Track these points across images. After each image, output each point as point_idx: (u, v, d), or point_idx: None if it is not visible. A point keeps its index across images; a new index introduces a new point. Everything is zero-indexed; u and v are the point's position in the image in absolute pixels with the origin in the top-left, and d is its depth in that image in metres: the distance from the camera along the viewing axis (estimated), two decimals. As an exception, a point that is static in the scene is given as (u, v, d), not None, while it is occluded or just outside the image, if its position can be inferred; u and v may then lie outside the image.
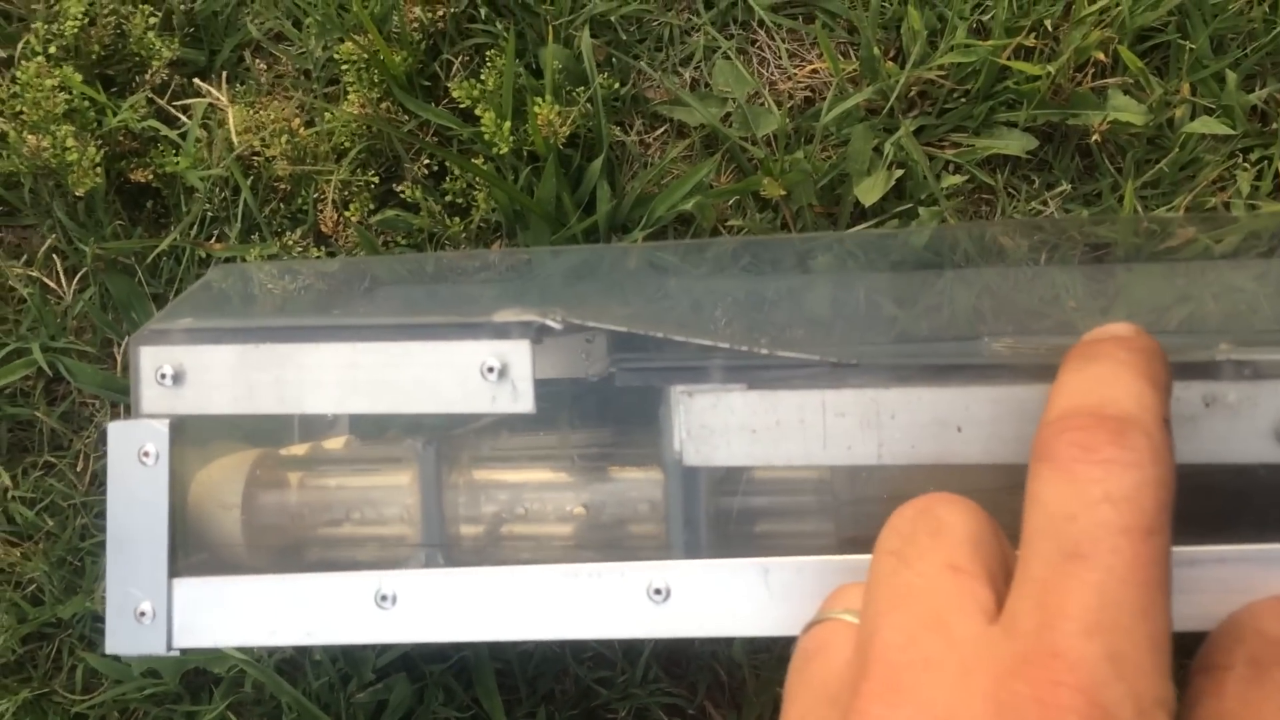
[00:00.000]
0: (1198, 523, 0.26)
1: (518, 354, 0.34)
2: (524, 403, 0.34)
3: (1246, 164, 0.54)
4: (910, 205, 0.55)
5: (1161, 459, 0.23)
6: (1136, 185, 0.54)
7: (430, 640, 0.34)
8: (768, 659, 0.53)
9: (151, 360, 0.36)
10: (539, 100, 0.50)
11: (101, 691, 0.52)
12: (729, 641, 0.54)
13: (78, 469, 0.54)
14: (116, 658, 0.51)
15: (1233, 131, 0.53)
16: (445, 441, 0.37)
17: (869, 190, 0.54)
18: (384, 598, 0.35)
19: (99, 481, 0.54)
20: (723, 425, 0.34)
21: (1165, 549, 0.23)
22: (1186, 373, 0.30)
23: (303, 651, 0.52)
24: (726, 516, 0.37)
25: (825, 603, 0.30)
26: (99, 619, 0.53)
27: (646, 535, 0.37)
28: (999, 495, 0.39)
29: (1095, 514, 0.22)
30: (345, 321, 0.36)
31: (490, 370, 0.34)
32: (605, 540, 0.37)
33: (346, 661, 0.51)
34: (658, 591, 0.33)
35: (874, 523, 0.37)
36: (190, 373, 0.36)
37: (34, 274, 0.55)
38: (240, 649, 0.50)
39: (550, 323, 0.35)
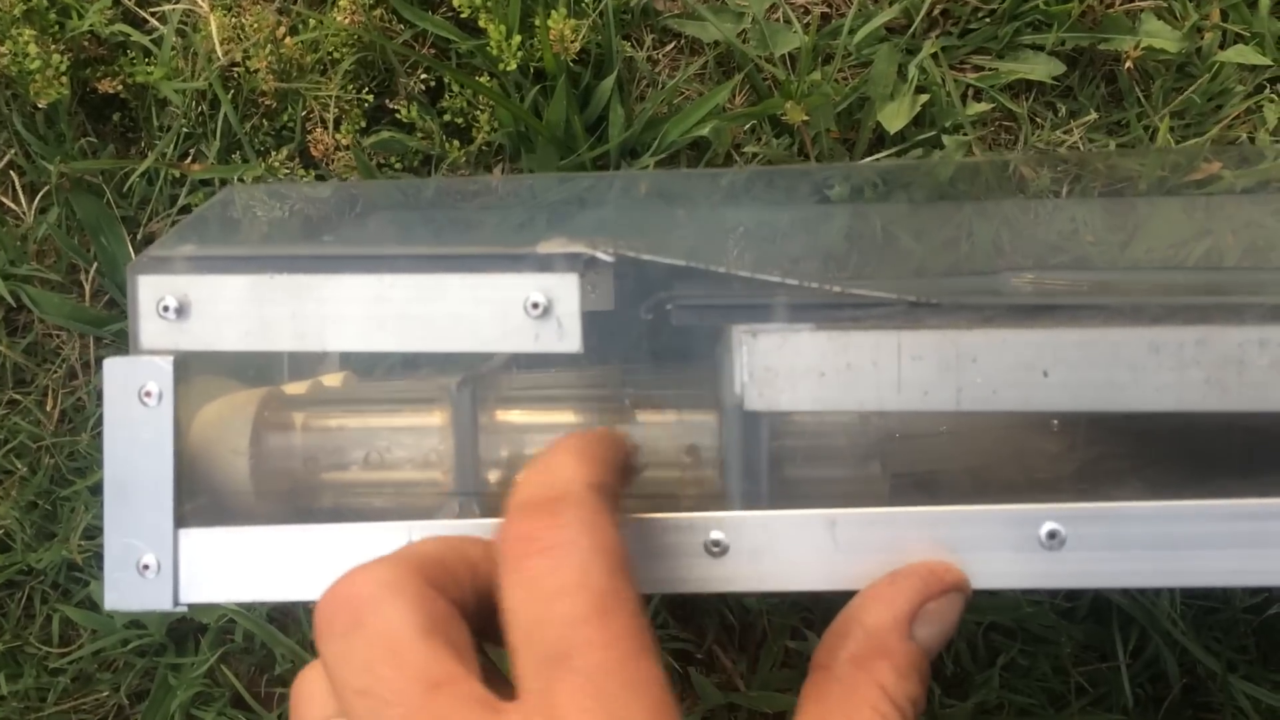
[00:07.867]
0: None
1: (564, 288, 0.32)
2: (570, 341, 0.32)
3: (1274, 95, 0.53)
4: (933, 134, 0.52)
5: (596, 526, 0.24)
6: (1163, 115, 0.53)
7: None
8: (779, 604, 0.52)
9: (152, 291, 0.33)
10: (553, 12, 0.46)
11: (80, 644, 0.49)
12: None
13: (46, 407, 0.50)
14: (97, 608, 0.48)
15: (1268, 62, 0.52)
16: (479, 382, 0.35)
17: (893, 116, 0.52)
18: (415, 550, 0.32)
19: (69, 419, 0.50)
20: (788, 368, 0.31)
21: (631, 611, 0.24)
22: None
23: (295, 601, 0.49)
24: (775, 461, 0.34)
25: None
26: (75, 568, 0.49)
27: (692, 482, 0.35)
28: (1012, 432, 0.38)
29: (557, 611, 0.23)
30: (371, 251, 0.33)
31: (535, 306, 0.32)
32: (649, 488, 0.35)
33: (344, 609, 0.48)
34: (716, 544, 0.31)
35: (925, 457, 0.36)
36: (196, 305, 0.33)
37: (-11, 193, 0.49)
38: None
39: (601, 255, 0.32)
